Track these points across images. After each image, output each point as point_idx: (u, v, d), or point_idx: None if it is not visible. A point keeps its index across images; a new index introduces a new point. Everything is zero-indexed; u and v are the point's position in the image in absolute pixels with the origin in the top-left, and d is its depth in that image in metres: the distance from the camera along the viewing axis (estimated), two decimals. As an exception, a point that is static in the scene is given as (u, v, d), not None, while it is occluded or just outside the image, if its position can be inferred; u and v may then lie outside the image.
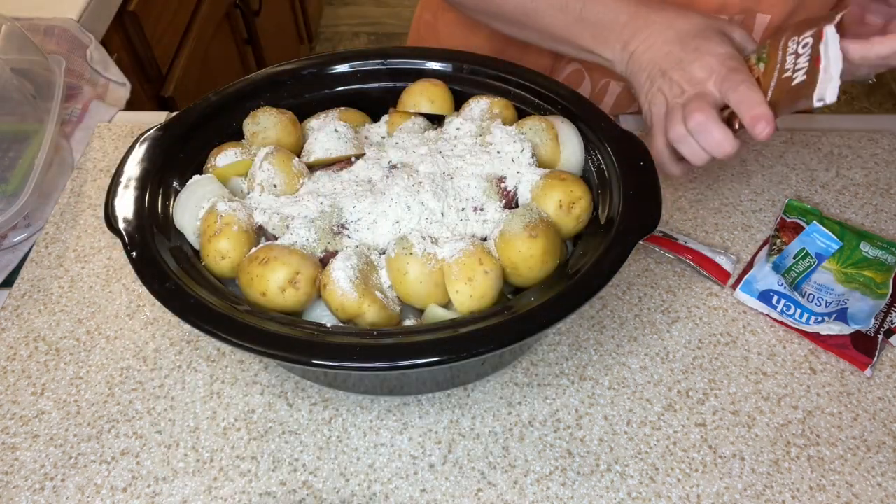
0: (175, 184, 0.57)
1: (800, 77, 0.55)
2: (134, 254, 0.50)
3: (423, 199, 0.54)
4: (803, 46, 0.56)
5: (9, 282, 0.66)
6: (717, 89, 0.58)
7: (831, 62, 0.54)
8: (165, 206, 0.55)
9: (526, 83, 0.64)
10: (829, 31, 0.55)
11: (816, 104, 0.54)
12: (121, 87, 0.87)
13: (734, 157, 0.67)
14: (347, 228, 0.54)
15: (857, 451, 0.55)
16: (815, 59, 0.55)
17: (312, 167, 0.60)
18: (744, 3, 0.72)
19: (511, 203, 0.57)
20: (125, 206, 0.53)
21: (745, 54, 0.61)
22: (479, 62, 0.66)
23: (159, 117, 0.82)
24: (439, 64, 0.67)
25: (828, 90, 0.53)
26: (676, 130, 0.58)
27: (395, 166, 0.58)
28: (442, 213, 0.55)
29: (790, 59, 0.57)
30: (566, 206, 0.54)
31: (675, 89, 0.59)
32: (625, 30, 0.63)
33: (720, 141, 0.56)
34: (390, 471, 0.53)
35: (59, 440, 0.55)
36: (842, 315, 0.61)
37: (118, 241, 0.51)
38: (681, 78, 0.59)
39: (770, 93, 0.57)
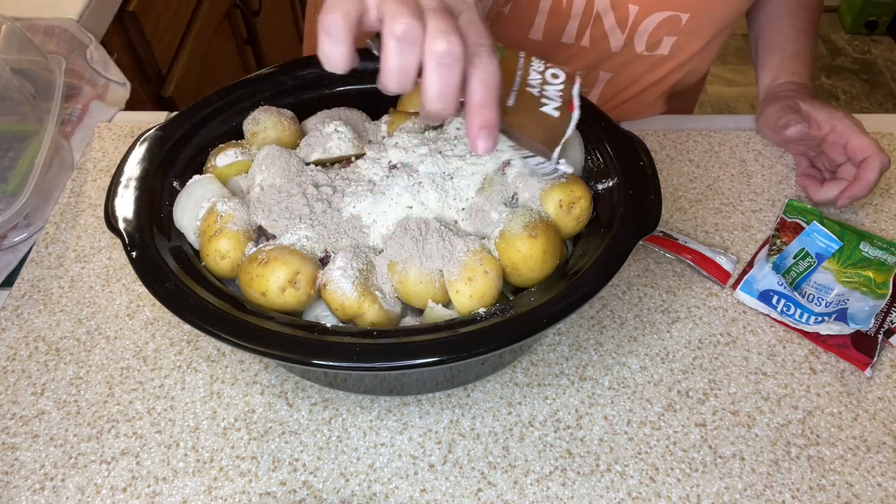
0: (175, 184, 0.57)
1: (552, 109, 0.43)
2: (134, 254, 0.50)
3: (423, 199, 0.54)
4: (552, 76, 0.45)
5: (9, 282, 0.66)
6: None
7: (572, 121, 0.44)
8: (165, 206, 0.55)
9: (526, 83, 0.64)
10: (578, 85, 0.45)
11: (554, 165, 0.44)
12: (121, 87, 0.87)
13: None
14: (347, 228, 0.54)
15: (857, 451, 0.55)
16: (568, 103, 0.43)
17: (312, 167, 0.60)
18: None
19: (511, 203, 0.57)
20: (125, 206, 0.53)
21: None
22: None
23: (159, 117, 0.82)
24: (439, 64, 0.66)
25: (567, 152, 0.43)
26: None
27: (395, 166, 0.58)
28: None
29: (535, 74, 0.44)
30: (566, 206, 0.54)
31: None
32: None
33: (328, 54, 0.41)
34: (390, 471, 0.53)
35: (59, 440, 0.55)
36: (842, 315, 0.61)
37: (118, 241, 0.51)
38: None
39: (512, 98, 0.43)
